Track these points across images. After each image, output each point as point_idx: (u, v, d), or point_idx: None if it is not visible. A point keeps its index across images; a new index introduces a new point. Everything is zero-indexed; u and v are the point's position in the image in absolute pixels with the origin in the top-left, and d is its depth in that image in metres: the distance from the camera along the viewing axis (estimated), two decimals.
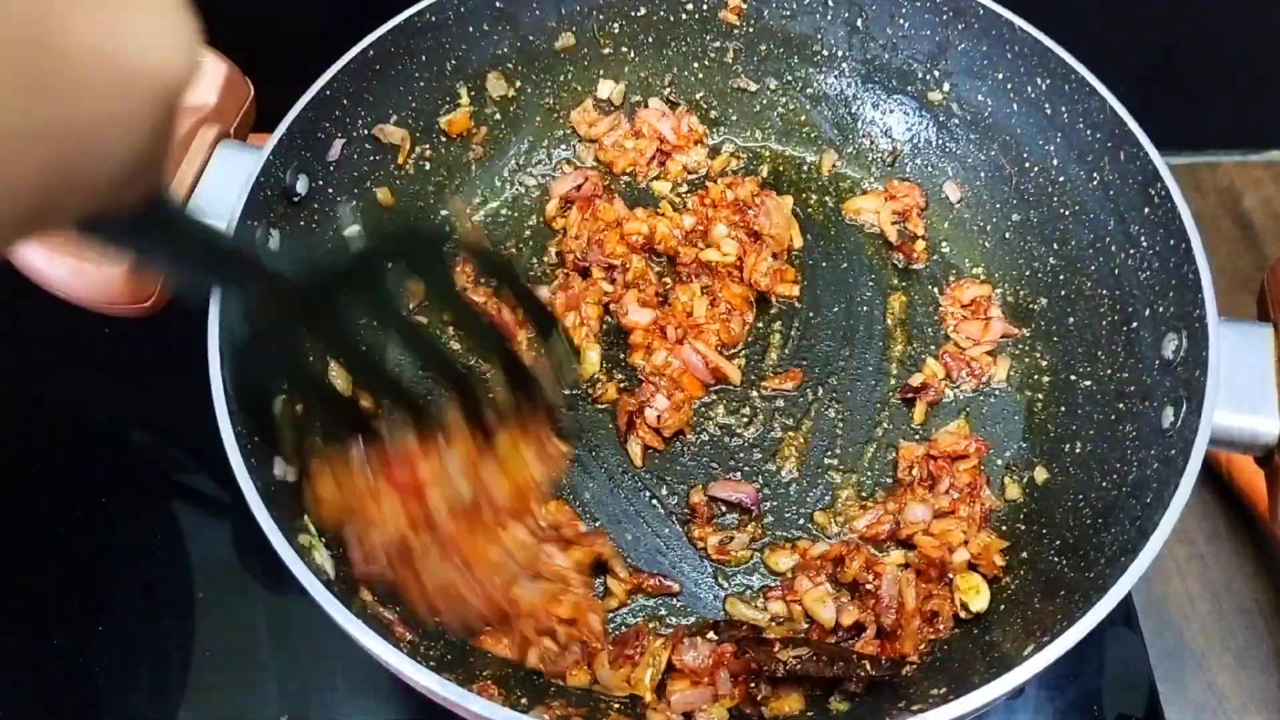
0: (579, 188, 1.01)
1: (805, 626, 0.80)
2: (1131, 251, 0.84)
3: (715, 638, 0.78)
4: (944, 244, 1.00)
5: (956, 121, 0.99)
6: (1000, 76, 0.93)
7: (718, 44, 1.04)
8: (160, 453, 1.02)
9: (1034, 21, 0.89)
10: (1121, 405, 0.81)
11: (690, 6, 1.02)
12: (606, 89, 1.05)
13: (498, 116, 1.03)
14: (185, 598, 0.91)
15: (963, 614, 0.78)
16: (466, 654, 0.76)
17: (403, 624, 0.74)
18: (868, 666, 0.74)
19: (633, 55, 1.04)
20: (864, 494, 0.87)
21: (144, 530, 0.95)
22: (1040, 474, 0.86)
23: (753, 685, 0.76)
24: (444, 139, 1.00)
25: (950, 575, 0.80)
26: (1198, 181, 1.25)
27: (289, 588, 0.63)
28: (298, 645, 0.88)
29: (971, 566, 0.81)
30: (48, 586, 0.92)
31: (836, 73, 1.03)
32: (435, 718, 0.67)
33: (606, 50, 1.03)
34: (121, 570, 0.93)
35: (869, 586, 0.79)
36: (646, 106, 1.06)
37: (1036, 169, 0.93)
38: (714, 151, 1.06)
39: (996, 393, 0.91)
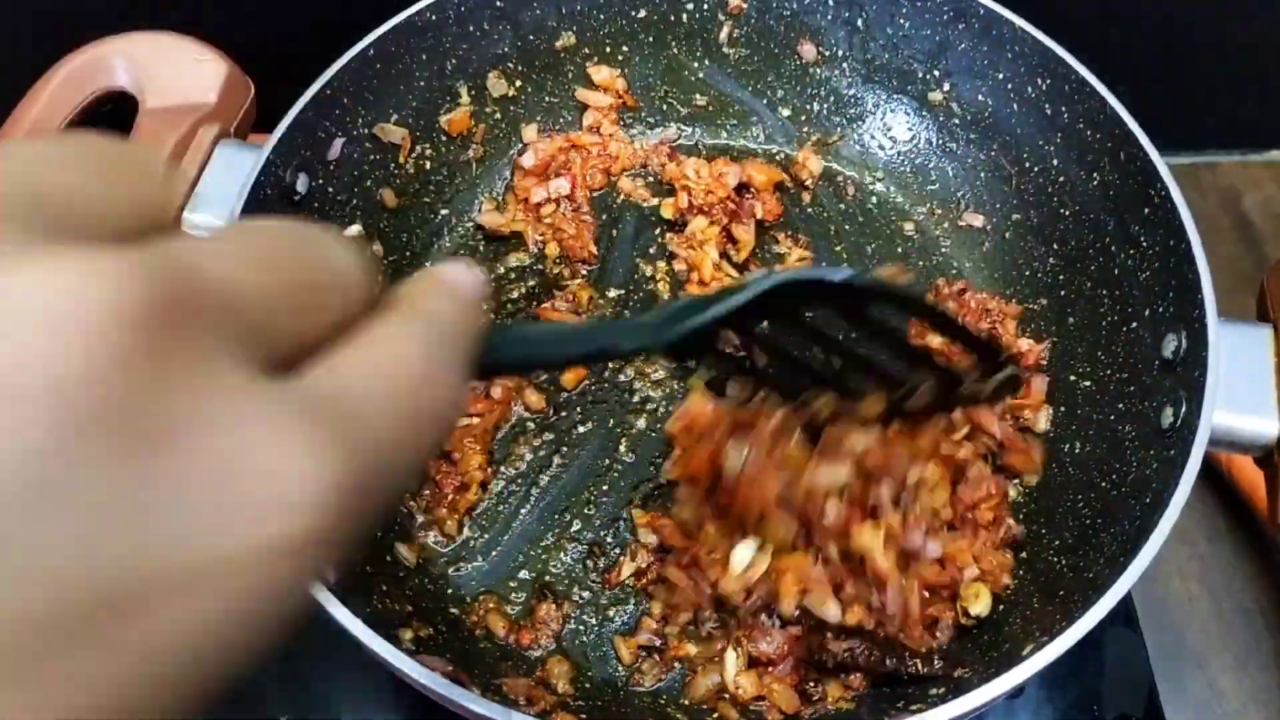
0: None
1: None
2: (1131, 252, 0.84)
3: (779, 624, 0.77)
4: (944, 243, 1.00)
5: (956, 122, 0.99)
6: (1000, 77, 0.93)
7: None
8: None
9: (1034, 21, 0.89)
10: (1121, 405, 0.81)
11: (691, 6, 1.02)
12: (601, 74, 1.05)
13: (498, 116, 1.03)
14: None
15: (963, 620, 0.78)
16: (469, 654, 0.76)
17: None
18: (919, 665, 0.73)
19: (633, 55, 1.04)
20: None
21: None
22: (1041, 472, 0.86)
23: (804, 673, 0.76)
24: (444, 138, 1.00)
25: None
26: (1198, 181, 1.25)
27: None
28: (298, 645, 0.88)
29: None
30: None
31: (837, 73, 1.03)
32: (435, 718, 0.67)
33: (607, 50, 1.03)
34: None
35: (871, 600, 0.77)
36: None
37: (1036, 169, 0.93)
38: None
39: None
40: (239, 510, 0.24)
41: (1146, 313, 0.81)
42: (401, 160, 0.97)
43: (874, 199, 1.02)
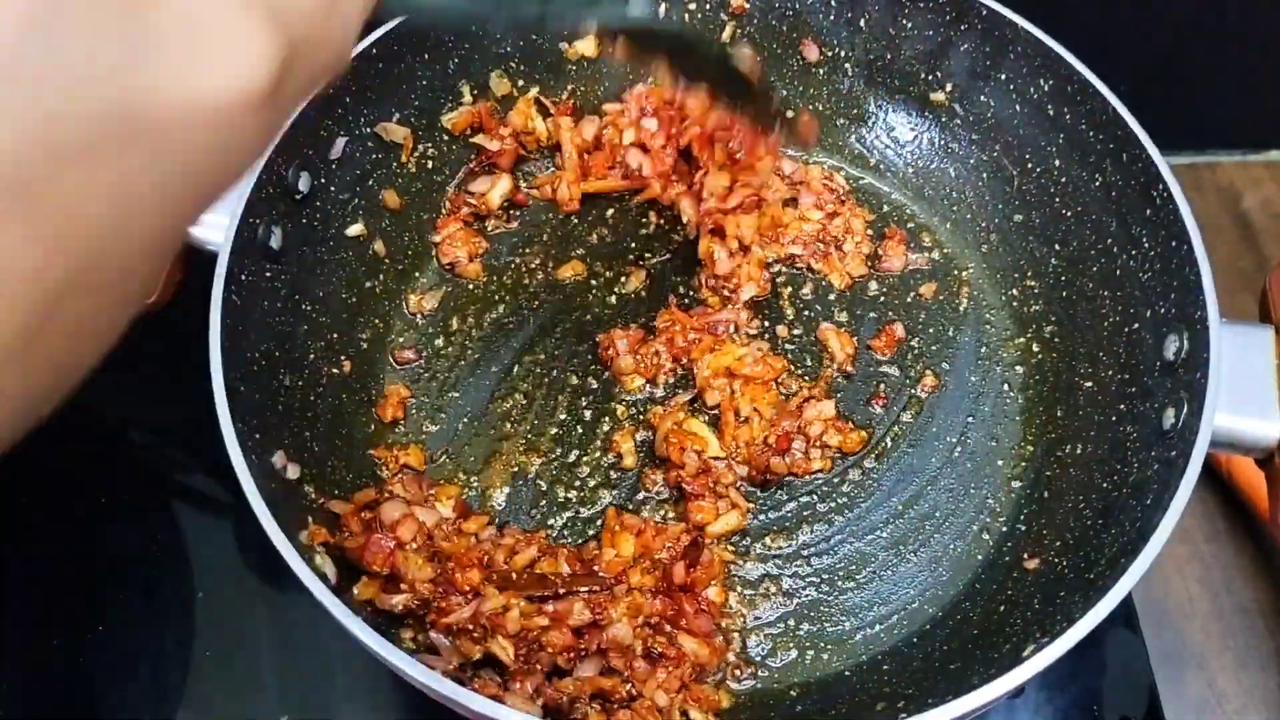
0: None
1: None
2: (1133, 252, 0.84)
3: None
4: (947, 245, 0.99)
5: (959, 123, 0.99)
6: (1003, 78, 0.93)
7: None
8: (160, 453, 1.02)
9: (1034, 20, 0.89)
10: (1123, 406, 0.81)
11: (694, 6, 1.02)
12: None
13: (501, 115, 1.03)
14: (185, 598, 0.90)
15: None
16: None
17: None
18: None
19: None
20: None
21: (144, 530, 0.94)
22: (1041, 475, 0.86)
23: None
24: (446, 137, 1.00)
25: None
26: (1198, 181, 1.25)
27: (289, 587, 0.63)
28: (298, 645, 0.88)
29: None
30: (47, 587, 0.92)
31: (839, 73, 1.03)
32: (435, 718, 0.67)
33: (611, 49, 1.03)
34: (121, 570, 0.92)
35: None
36: None
37: (1039, 170, 0.93)
38: None
39: (996, 392, 0.91)
40: (207, 62, 0.31)
41: (1148, 314, 0.81)
42: (404, 159, 0.97)
43: (875, 199, 1.02)
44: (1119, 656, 0.89)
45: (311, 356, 0.87)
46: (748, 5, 1.01)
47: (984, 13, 0.91)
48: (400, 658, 0.62)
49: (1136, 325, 0.82)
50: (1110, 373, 0.84)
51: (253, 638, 0.89)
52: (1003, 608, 0.78)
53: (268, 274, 0.83)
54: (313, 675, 0.87)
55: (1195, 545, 1.00)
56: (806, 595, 0.82)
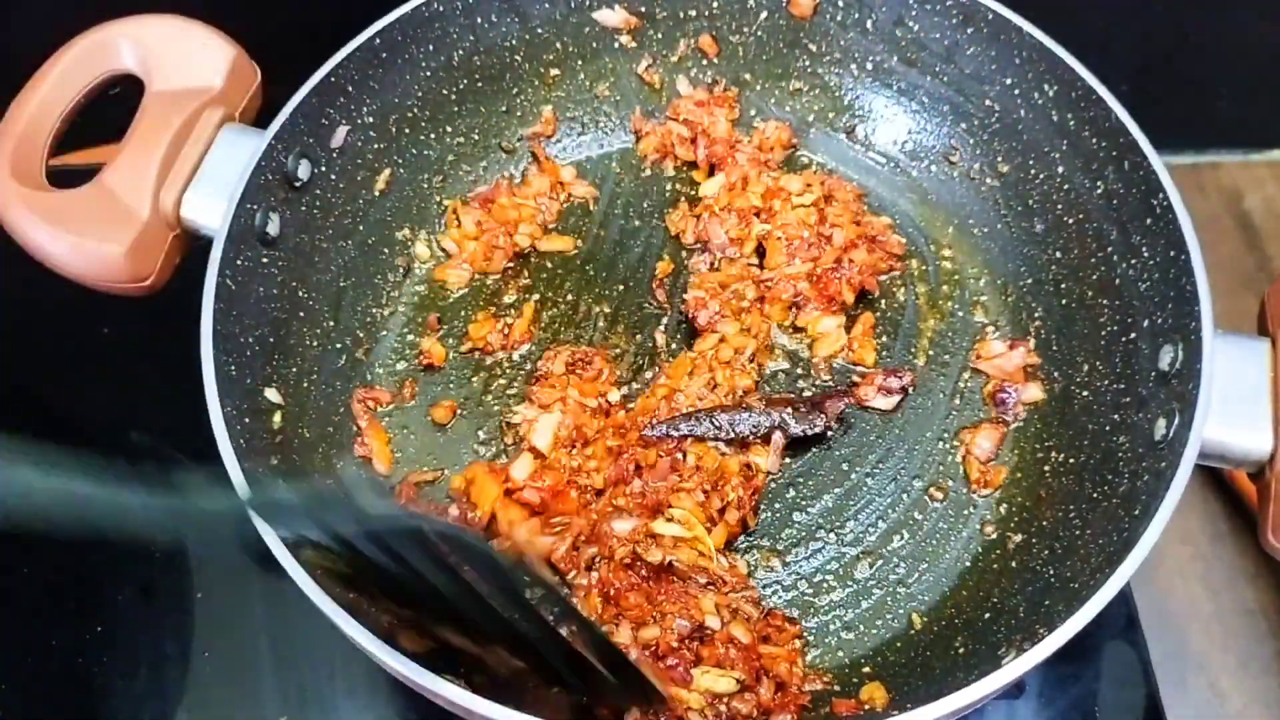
0: None
1: None
2: (1133, 261, 0.83)
3: None
4: (947, 249, 0.99)
5: (965, 127, 0.98)
6: (1009, 82, 0.93)
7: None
8: (160, 453, 1.02)
9: (1035, 20, 0.89)
10: (1117, 416, 0.81)
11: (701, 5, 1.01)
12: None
13: (504, 109, 1.03)
14: (185, 597, 0.91)
15: None
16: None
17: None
18: None
19: (644, 54, 1.04)
20: None
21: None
22: (1033, 483, 0.86)
23: None
24: (448, 129, 1.00)
25: None
26: (1200, 181, 1.24)
27: (289, 588, 0.63)
28: (298, 645, 0.88)
29: None
30: (47, 587, 0.93)
31: (844, 74, 1.02)
32: (435, 718, 0.67)
33: (617, 45, 1.03)
34: (121, 570, 0.93)
35: None
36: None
37: (1042, 176, 0.93)
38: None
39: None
40: None
41: (1145, 323, 0.81)
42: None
43: (877, 202, 1.02)
44: (1120, 658, 0.89)
45: (307, 343, 0.87)
46: (755, 3, 1.00)
47: (990, 16, 0.90)
48: (399, 659, 0.62)
49: (1134, 334, 0.82)
50: (1106, 382, 0.84)
51: (252, 638, 0.89)
52: (987, 615, 0.78)
53: (264, 260, 0.83)
54: (312, 675, 0.87)
55: (1197, 547, 1.00)
56: (788, 596, 0.82)
